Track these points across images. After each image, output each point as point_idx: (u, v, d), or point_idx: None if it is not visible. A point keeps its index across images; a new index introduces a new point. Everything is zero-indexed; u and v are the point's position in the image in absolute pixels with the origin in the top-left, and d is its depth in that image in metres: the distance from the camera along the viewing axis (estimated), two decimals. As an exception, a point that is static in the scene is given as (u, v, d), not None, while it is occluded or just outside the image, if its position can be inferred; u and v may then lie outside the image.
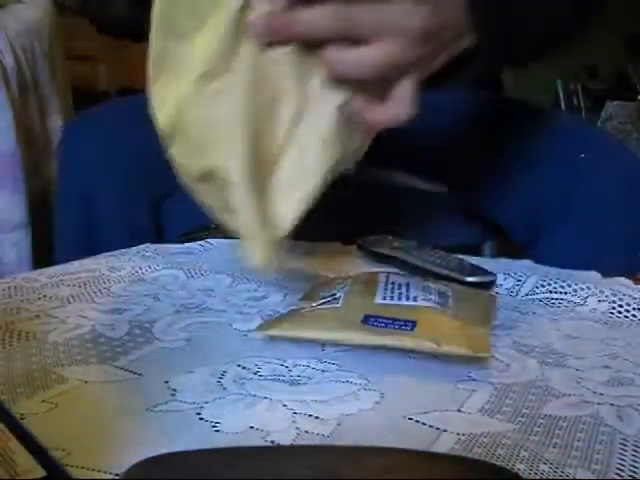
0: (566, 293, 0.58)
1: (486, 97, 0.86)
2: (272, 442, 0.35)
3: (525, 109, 0.85)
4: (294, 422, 0.37)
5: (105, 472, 0.32)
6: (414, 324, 0.45)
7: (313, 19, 0.44)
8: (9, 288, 0.59)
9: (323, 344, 0.47)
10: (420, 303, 0.48)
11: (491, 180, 0.81)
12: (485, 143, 0.81)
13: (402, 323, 0.45)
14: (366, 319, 0.46)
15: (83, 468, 0.32)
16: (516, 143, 0.79)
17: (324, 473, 0.27)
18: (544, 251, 0.73)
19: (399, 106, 0.48)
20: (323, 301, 0.50)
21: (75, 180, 0.82)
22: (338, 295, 0.50)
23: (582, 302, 0.57)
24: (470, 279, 0.60)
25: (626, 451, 0.34)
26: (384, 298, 0.49)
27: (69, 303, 0.57)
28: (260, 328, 0.49)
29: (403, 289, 0.50)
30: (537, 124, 0.81)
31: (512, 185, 0.79)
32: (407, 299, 0.48)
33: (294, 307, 0.52)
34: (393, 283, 0.51)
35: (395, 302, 0.48)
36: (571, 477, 0.32)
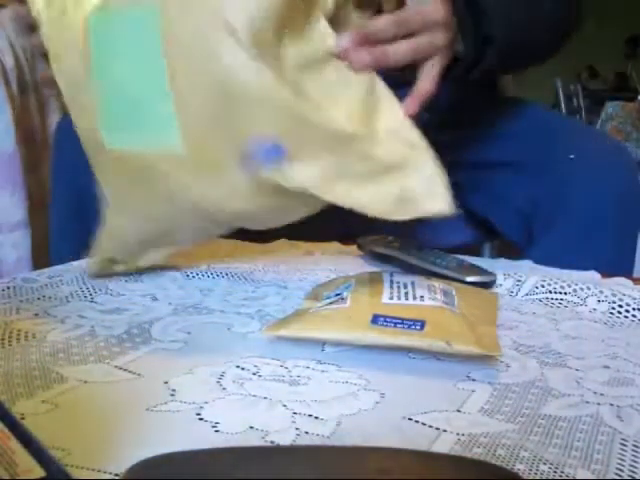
0: (566, 293, 0.58)
1: (483, 98, 0.86)
2: (272, 442, 0.35)
3: (523, 109, 0.85)
4: (294, 422, 0.37)
5: (105, 472, 0.32)
6: (423, 324, 0.45)
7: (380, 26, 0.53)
8: (9, 288, 0.59)
9: (323, 344, 0.47)
10: (427, 303, 0.48)
11: (486, 181, 0.81)
12: (481, 143, 0.81)
13: (411, 323, 0.45)
14: (375, 319, 0.46)
15: (83, 468, 0.32)
16: (512, 143, 0.79)
17: (324, 473, 0.27)
18: (540, 252, 0.73)
19: (427, 82, 0.57)
20: (329, 301, 0.50)
21: (69, 178, 0.81)
22: (345, 295, 0.50)
23: (582, 302, 0.57)
24: (470, 279, 0.60)
25: (626, 451, 0.34)
26: (391, 297, 0.49)
27: (68, 303, 0.57)
28: (269, 328, 0.48)
29: (409, 288, 0.50)
30: (534, 125, 0.80)
31: (507, 186, 0.79)
32: (414, 298, 0.48)
33: (299, 307, 0.52)
34: (398, 282, 0.51)
35: (402, 302, 0.48)
36: (571, 477, 0.32)
